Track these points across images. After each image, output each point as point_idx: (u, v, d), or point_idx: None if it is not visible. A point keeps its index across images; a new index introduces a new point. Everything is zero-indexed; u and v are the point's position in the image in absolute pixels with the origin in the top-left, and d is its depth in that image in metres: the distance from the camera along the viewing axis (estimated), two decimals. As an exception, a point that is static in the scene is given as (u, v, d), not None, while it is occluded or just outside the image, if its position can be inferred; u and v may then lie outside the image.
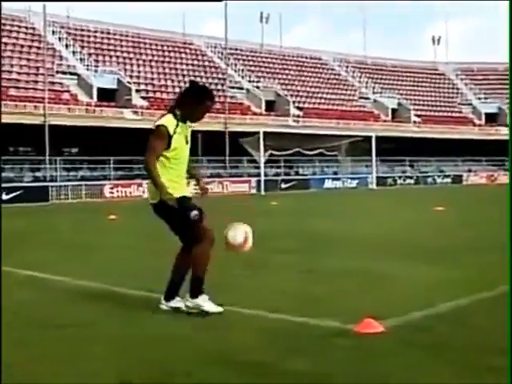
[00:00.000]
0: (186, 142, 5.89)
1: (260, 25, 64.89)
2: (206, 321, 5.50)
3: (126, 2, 61.53)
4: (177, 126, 5.74)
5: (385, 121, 57.79)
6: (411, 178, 52.74)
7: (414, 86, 67.77)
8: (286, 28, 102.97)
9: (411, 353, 4.49)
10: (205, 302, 5.66)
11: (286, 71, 60.43)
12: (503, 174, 58.96)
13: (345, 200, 31.02)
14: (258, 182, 43.00)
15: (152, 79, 50.24)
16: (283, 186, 44.09)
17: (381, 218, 17.84)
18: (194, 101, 5.80)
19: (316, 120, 51.01)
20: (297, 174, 48.49)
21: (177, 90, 48.57)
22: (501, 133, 62.96)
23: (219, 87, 50.04)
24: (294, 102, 53.41)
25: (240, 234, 5.91)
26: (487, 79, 72.41)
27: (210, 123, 44.53)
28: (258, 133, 40.31)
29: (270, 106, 52.30)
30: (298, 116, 51.77)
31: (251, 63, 59.06)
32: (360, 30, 73.08)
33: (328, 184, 45.92)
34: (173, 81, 50.97)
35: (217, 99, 47.44)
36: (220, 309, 5.66)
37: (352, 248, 10.70)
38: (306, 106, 54.82)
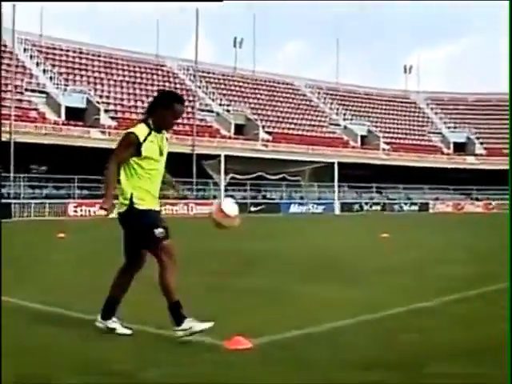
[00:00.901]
0: (161, 154, 5.64)
1: (234, 49, 65.48)
2: (91, 332, 5.61)
3: (125, 2, 61.43)
4: (149, 134, 5.54)
5: (354, 147, 58.31)
6: (378, 204, 53.16)
7: (384, 113, 68.60)
8: (260, 53, 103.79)
9: (267, 368, 4.62)
10: (194, 324, 5.34)
11: (258, 96, 60.92)
12: (470, 203, 59.64)
13: (300, 224, 31.46)
14: (225, 204, 43.19)
15: (122, 100, 50.43)
16: (252, 209, 44.31)
17: (321, 242, 18.24)
18: (163, 106, 5.60)
19: (284, 145, 51.42)
20: (264, 197, 48.76)
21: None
22: (468, 162, 63.85)
23: (189, 109, 50.28)
24: (263, 127, 53.82)
25: (234, 207, 5.86)
26: (457, 109, 73.48)
27: (177, 145, 44.74)
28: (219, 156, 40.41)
29: (240, 130, 52.62)
30: (267, 140, 52.11)
31: (223, 87, 59.49)
32: (333, 58, 73.91)
33: (294, 209, 46.18)
34: (143, 102, 51.08)
35: (186, 121, 47.88)
36: (208, 325, 5.34)
37: (275, 268, 10.89)
38: (276, 130, 55.24)
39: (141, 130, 5.53)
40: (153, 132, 5.58)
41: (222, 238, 18.16)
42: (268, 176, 43.27)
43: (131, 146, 5.49)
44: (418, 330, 5.83)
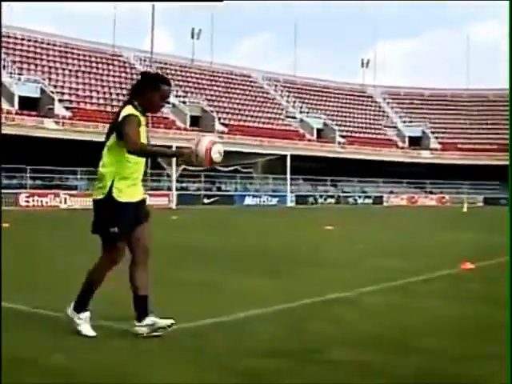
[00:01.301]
0: (145, 139, 5.27)
1: (191, 41, 65.42)
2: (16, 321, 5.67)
3: (125, 2, 60.92)
4: (139, 117, 5.15)
5: (309, 140, 58.65)
6: (332, 197, 53.59)
7: (341, 107, 69.12)
8: (218, 45, 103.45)
9: (172, 355, 4.74)
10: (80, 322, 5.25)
11: (215, 88, 60.92)
12: (424, 197, 60.45)
13: (248, 216, 31.82)
14: (179, 195, 43.34)
15: (77, 90, 50.01)
16: (206, 200, 44.41)
17: (262, 234, 18.65)
18: (151, 88, 5.23)
19: (239, 137, 51.57)
20: (219, 189, 48.90)
21: (101, 101, 48.51)
22: (423, 156, 64.65)
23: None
24: (219, 119, 53.87)
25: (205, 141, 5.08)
26: (413, 103, 74.33)
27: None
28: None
29: (196, 122, 52.61)
30: (223, 132, 52.18)
31: (180, 78, 59.33)
32: (292, 51, 74.15)
33: (248, 201, 46.37)
34: (98, 92, 50.88)
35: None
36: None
37: (207, 260, 11.04)
38: (232, 122, 55.31)
39: (135, 113, 5.15)
40: (140, 115, 5.19)
41: (168, 229, 18.38)
42: (220, 168, 43.25)
43: (138, 127, 5.10)
44: (327, 318, 6.02)
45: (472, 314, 6.45)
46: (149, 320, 5.21)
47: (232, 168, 43.93)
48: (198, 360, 4.60)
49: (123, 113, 5.13)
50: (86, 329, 5.21)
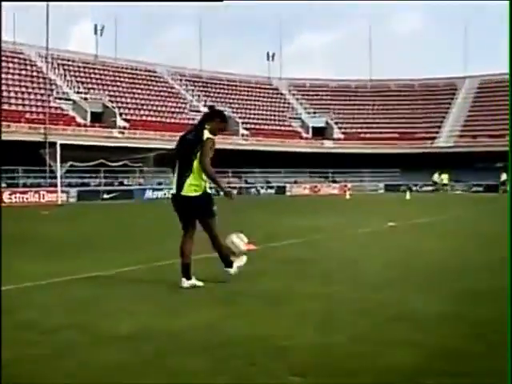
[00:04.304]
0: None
1: (94, 37, 65.58)
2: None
3: (122, 2, 60.22)
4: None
5: (212, 133, 59.41)
6: (234, 188, 54.59)
7: (246, 99, 70.02)
8: (123, 41, 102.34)
9: None
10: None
11: (118, 83, 61.20)
12: (326, 186, 62.13)
13: (132, 209, 33.30)
14: (80, 191, 43.76)
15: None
16: (106, 196, 44.89)
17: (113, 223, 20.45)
18: (220, 120, 8.17)
19: (140, 131, 52.25)
20: (121, 184, 49.41)
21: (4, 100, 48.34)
22: (326, 146, 66.39)
23: (44, 98, 50.27)
24: (121, 114, 54.27)
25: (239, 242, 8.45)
26: (318, 95, 75.95)
27: (29, 133, 44.82)
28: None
29: (98, 118, 52.90)
30: (124, 128, 52.67)
31: (82, 74, 59.46)
32: (197, 46, 74.80)
33: (148, 195, 47.04)
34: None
35: (40, 110, 47.98)
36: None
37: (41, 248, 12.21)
38: (134, 118, 55.77)
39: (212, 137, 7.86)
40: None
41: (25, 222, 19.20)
42: (109, 163, 43.80)
43: (213, 148, 7.79)
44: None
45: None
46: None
47: (121, 163, 44.40)
48: None
49: (206, 135, 7.76)
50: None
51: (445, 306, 6.59)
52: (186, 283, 7.69)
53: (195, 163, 7.68)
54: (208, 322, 5.90)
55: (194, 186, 7.70)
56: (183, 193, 7.73)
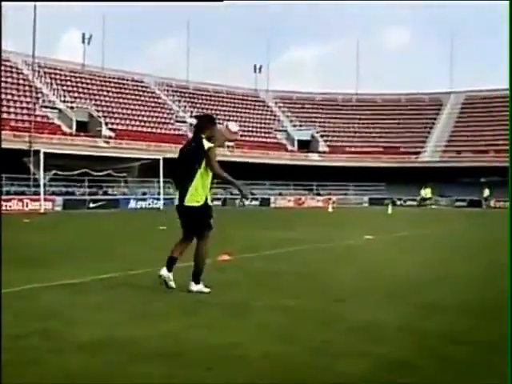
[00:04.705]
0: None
1: (82, 45, 65.73)
2: None
3: (124, 2, 60.17)
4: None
5: (197, 144, 59.51)
6: (219, 199, 54.74)
7: (232, 111, 70.18)
8: (110, 51, 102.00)
9: None
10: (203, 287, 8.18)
11: (105, 93, 61.35)
12: (310, 198, 62.37)
13: (116, 218, 33.33)
14: (66, 200, 43.77)
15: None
16: (92, 205, 44.91)
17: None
18: (212, 125, 8.41)
19: (126, 141, 52.32)
20: (105, 193, 49.42)
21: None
22: (311, 158, 66.63)
23: (30, 106, 50.31)
24: (107, 124, 54.38)
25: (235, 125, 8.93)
26: (304, 107, 76.24)
27: (14, 141, 44.79)
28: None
29: (83, 127, 52.98)
30: (110, 137, 52.76)
31: (69, 83, 59.55)
32: (184, 57, 75.02)
33: (132, 204, 47.08)
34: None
35: (25, 118, 48.00)
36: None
37: None
38: (120, 127, 55.88)
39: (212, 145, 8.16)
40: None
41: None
42: (92, 172, 43.82)
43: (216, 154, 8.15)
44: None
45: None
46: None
47: (105, 173, 44.41)
48: None
49: (206, 145, 8.06)
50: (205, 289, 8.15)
51: (403, 319, 6.74)
52: (163, 272, 8.27)
53: (198, 174, 8.00)
54: (170, 331, 6.03)
55: (195, 197, 8.01)
56: (185, 203, 8.06)
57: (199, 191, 7.99)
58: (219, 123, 9.01)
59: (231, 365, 4.94)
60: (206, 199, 8.07)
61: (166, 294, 8.10)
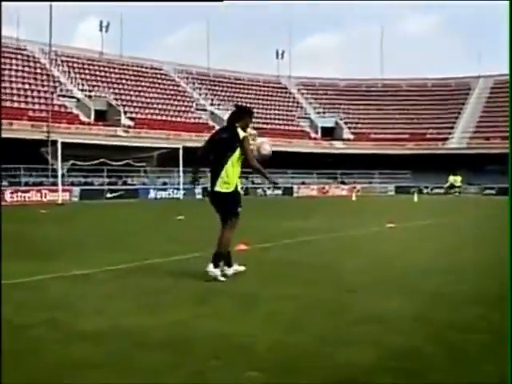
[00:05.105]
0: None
1: (100, 33, 64.69)
2: None
3: (127, 2, 59.56)
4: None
5: (219, 132, 58.39)
6: (242, 189, 53.54)
7: (253, 99, 68.89)
8: (129, 39, 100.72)
9: None
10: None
11: (124, 81, 60.35)
12: (335, 187, 60.99)
13: (136, 208, 32.63)
14: (83, 190, 42.90)
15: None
16: (109, 195, 43.96)
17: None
18: (249, 116, 8.63)
19: (145, 130, 51.20)
20: (125, 183, 48.43)
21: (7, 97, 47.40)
22: (335, 146, 65.18)
23: (48, 95, 49.30)
24: (125, 112, 53.30)
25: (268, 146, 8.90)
26: (327, 94, 74.77)
27: (31, 131, 43.91)
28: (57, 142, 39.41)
29: (102, 116, 51.96)
30: (129, 126, 51.69)
31: (87, 72, 58.56)
32: (204, 44, 73.61)
33: (152, 194, 46.05)
34: (5, 88, 49.42)
35: (43, 107, 47.04)
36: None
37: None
38: (139, 116, 54.80)
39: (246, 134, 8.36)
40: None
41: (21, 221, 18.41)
42: (110, 162, 42.83)
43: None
44: None
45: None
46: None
47: (124, 162, 43.42)
48: None
49: (242, 134, 8.22)
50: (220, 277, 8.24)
51: (413, 308, 6.64)
52: (211, 269, 8.22)
53: (229, 161, 8.16)
54: (178, 320, 5.98)
55: (226, 183, 8.17)
56: (216, 188, 8.22)
57: (230, 178, 8.19)
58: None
59: (240, 354, 4.89)
60: (236, 186, 8.27)
61: (177, 283, 8.03)
